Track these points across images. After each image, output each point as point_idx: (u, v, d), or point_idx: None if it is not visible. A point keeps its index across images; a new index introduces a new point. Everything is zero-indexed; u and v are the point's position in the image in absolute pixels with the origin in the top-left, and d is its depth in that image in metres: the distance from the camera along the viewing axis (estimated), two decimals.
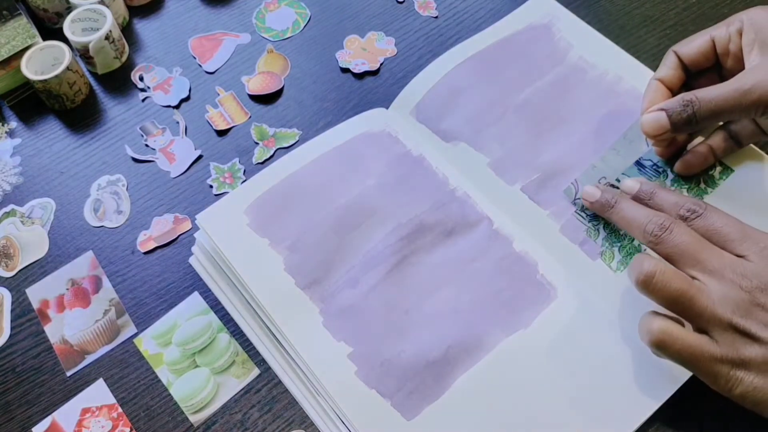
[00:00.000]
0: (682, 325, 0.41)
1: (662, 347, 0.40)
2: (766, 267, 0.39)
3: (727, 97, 0.43)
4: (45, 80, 0.57)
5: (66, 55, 0.58)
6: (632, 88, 0.55)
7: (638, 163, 0.51)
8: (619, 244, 0.49)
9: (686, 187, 0.50)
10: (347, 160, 0.53)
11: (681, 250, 0.41)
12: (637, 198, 0.46)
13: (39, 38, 0.61)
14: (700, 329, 0.40)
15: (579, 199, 0.50)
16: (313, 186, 0.52)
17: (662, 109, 0.46)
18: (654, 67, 0.52)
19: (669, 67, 0.49)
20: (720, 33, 0.48)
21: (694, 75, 0.50)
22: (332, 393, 0.44)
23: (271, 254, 0.49)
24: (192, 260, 0.52)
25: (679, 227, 0.41)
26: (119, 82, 0.62)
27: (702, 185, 0.50)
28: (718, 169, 0.50)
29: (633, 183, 0.46)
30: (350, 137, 0.54)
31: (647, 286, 0.40)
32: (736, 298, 0.39)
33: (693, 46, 0.49)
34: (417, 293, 0.48)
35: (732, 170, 0.50)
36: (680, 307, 0.40)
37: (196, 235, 0.52)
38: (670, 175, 0.51)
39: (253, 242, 0.49)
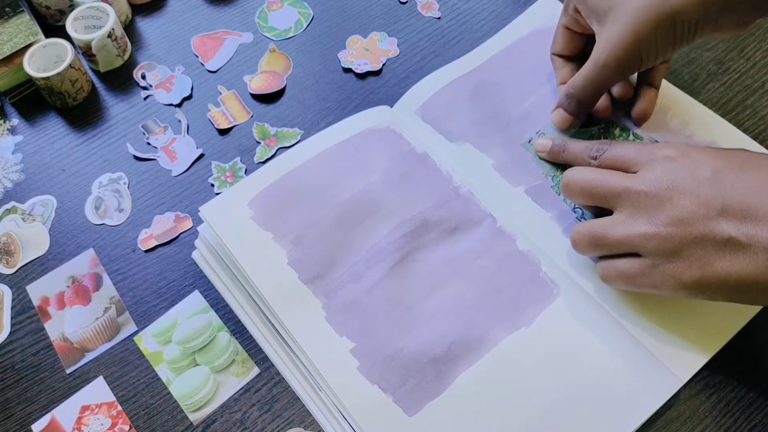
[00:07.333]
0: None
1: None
2: (659, 173, 0.42)
3: (593, 76, 0.48)
4: (47, 77, 0.57)
5: (68, 53, 0.58)
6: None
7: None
8: None
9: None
10: (351, 155, 0.53)
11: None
12: (553, 151, 0.51)
13: (41, 35, 0.61)
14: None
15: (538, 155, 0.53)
16: (317, 180, 0.52)
17: (558, 107, 0.52)
18: None
19: (559, 68, 0.55)
20: (568, 21, 0.53)
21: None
22: (334, 388, 0.44)
23: (275, 248, 0.49)
24: (195, 255, 0.52)
25: (615, 144, 0.47)
26: (121, 80, 0.62)
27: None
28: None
29: (545, 141, 0.52)
30: (355, 133, 0.54)
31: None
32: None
33: (560, 43, 0.55)
34: (420, 290, 0.48)
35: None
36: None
37: (199, 228, 0.52)
38: (633, 129, 0.53)
39: (256, 235, 0.49)
